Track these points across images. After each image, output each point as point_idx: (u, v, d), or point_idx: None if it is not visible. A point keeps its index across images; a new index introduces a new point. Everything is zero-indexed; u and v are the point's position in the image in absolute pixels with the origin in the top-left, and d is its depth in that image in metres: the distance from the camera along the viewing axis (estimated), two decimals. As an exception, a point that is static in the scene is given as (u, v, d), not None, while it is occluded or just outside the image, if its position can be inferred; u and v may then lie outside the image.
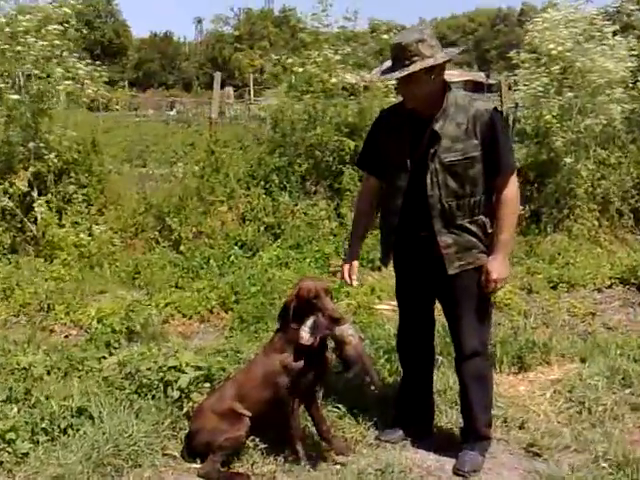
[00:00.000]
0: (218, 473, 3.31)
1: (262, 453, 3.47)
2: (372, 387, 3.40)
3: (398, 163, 3.26)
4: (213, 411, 3.41)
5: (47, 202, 7.24)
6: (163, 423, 3.70)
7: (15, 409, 3.63)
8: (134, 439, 3.52)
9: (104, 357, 4.50)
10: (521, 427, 3.84)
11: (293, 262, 6.78)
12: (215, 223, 7.44)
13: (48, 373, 4.30)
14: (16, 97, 6.79)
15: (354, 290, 5.86)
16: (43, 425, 3.55)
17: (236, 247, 7.15)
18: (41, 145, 7.11)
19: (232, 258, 6.89)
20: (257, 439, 3.51)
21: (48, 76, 7.08)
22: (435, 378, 4.08)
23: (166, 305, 5.56)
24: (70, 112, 8.02)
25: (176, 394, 3.86)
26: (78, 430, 3.56)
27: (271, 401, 3.37)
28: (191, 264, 6.62)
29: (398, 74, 3.07)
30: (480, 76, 40.97)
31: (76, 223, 7.37)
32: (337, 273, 6.52)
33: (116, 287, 6.36)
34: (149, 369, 4.01)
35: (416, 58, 3.03)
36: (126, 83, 49.61)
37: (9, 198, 6.99)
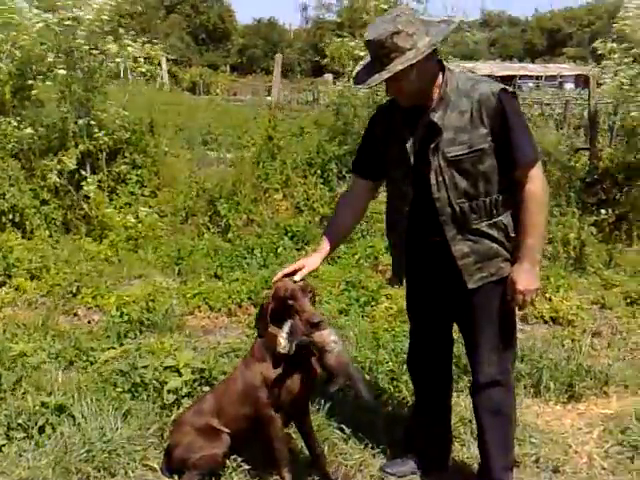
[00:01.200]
0: (193, 494, 2.97)
1: (245, 475, 3.10)
2: (364, 399, 2.88)
3: (399, 164, 2.77)
4: (190, 425, 3.05)
5: (99, 181, 7.12)
6: (149, 429, 3.41)
7: (-7, 401, 3.40)
8: (113, 444, 3.24)
9: (113, 348, 4.25)
10: (556, 470, 3.27)
11: (342, 257, 6.34)
12: (267, 211, 7.10)
13: (56, 359, 4.10)
14: (63, 72, 6.64)
15: (397, 292, 5.38)
16: (19, 421, 3.32)
17: (286, 238, 6.77)
18: (92, 123, 6.97)
19: (280, 249, 6.52)
20: (240, 459, 3.13)
21: (102, 52, 6.91)
22: (463, 404, 3.60)
23: (194, 296, 5.25)
24: (129, 90, 7.87)
25: (170, 397, 3.56)
26: (54, 430, 3.31)
27: (252, 417, 2.97)
28: (234, 253, 6.31)
29: (378, 78, 2.55)
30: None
31: (128, 204, 7.23)
32: (386, 272, 6.07)
33: (156, 272, 6.13)
34: (145, 367, 3.72)
35: (394, 55, 2.51)
36: (227, 67, 50.39)
37: (60, 175, 6.88)
